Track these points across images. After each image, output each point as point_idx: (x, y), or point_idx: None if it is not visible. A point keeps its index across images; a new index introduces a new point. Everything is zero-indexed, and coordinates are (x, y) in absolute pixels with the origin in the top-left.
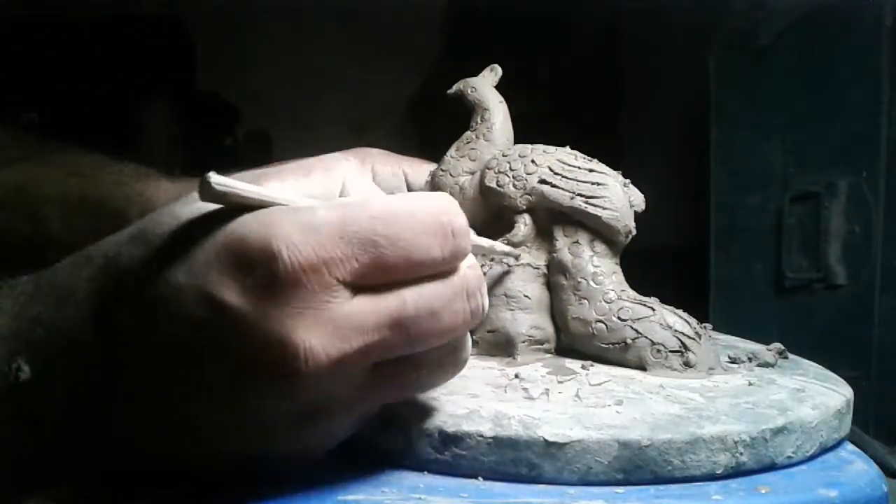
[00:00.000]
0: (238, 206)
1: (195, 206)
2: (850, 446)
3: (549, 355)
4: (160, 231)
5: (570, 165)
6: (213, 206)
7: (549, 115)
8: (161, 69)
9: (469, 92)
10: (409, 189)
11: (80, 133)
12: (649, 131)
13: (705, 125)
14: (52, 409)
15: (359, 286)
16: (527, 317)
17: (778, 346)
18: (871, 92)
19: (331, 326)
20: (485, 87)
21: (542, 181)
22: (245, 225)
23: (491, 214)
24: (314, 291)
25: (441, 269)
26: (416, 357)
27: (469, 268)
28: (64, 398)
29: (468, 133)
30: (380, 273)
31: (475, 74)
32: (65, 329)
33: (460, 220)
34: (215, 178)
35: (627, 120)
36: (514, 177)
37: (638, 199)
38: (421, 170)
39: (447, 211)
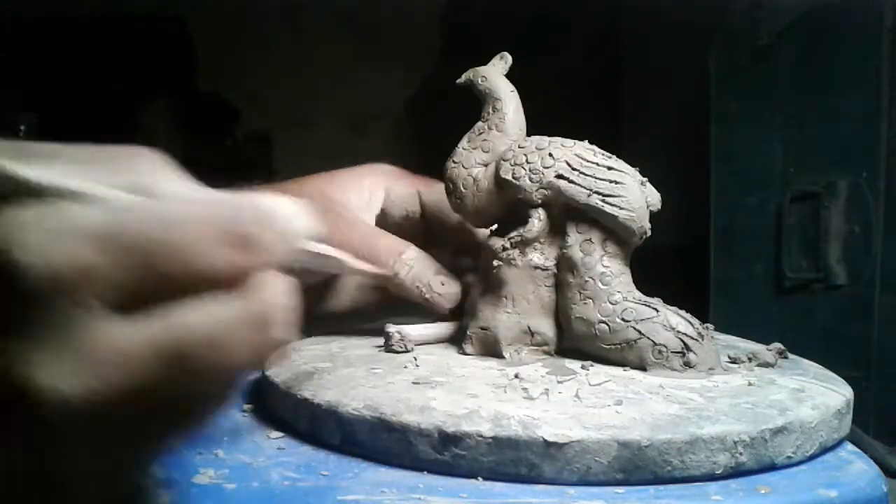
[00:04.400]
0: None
1: None
2: (850, 446)
3: (548, 356)
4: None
5: (588, 161)
6: None
7: (549, 114)
8: (161, 69)
9: (479, 81)
10: (423, 209)
11: (79, 133)
12: (649, 131)
13: (705, 125)
14: None
15: (124, 305)
16: (520, 319)
17: (778, 346)
18: (871, 92)
19: (84, 361)
20: (495, 75)
21: (559, 176)
22: None
23: (505, 207)
24: (63, 314)
25: (225, 286)
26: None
27: (272, 290)
28: None
29: (480, 124)
30: (149, 288)
31: None
32: None
33: (264, 229)
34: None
35: (627, 119)
36: (530, 170)
37: (655, 199)
38: (435, 189)
39: (248, 218)
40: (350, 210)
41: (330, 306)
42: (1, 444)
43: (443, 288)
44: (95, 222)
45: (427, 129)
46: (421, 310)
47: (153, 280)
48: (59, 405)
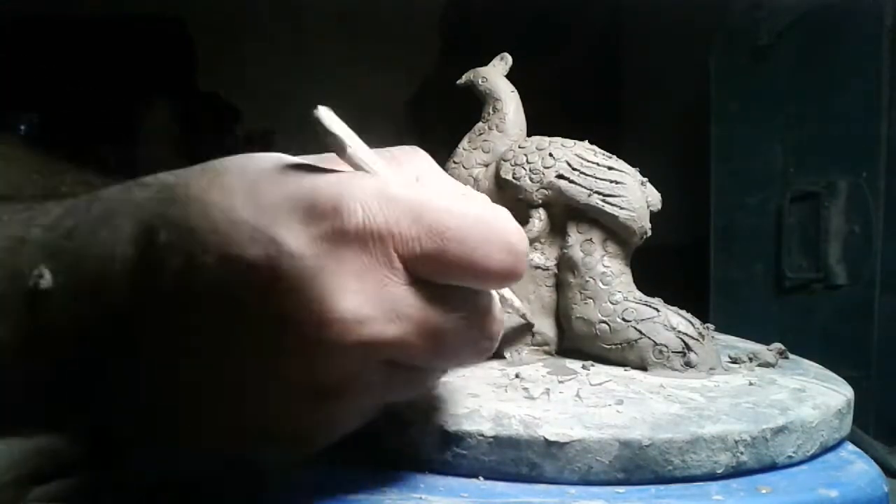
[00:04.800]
0: (331, 149)
1: (273, 156)
2: (850, 446)
3: (549, 356)
4: (228, 166)
5: (588, 161)
6: (291, 160)
7: (549, 114)
8: (161, 69)
9: (480, 82)
10: None
11: (80, 133)
12: (649, 131)
13: (705, 125)
14: (64, 333)
15: (414, 275)
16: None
17: (778, 346)
18: (871, 92)
19: (378, 305)
20: (495, 76)
21: (560, 176)
22: (323, 180)
23: (505, 207)
24: (376, 262)
25: (491, 286)
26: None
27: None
28: (80, 325)
29: (480, 124)
30: (437, 268)
31: None
32: (99, 245)
33: (525, 244)
34: (323, 110)
35: (627, 119)
36: (530, 170)
37: (655, 199)
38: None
39: (516, 229)
40: None
41: None
42: (285, 351)
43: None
44: (409, 198)
45: (427, 129)
46: None
47: (439, 261)
48: (346, 329)
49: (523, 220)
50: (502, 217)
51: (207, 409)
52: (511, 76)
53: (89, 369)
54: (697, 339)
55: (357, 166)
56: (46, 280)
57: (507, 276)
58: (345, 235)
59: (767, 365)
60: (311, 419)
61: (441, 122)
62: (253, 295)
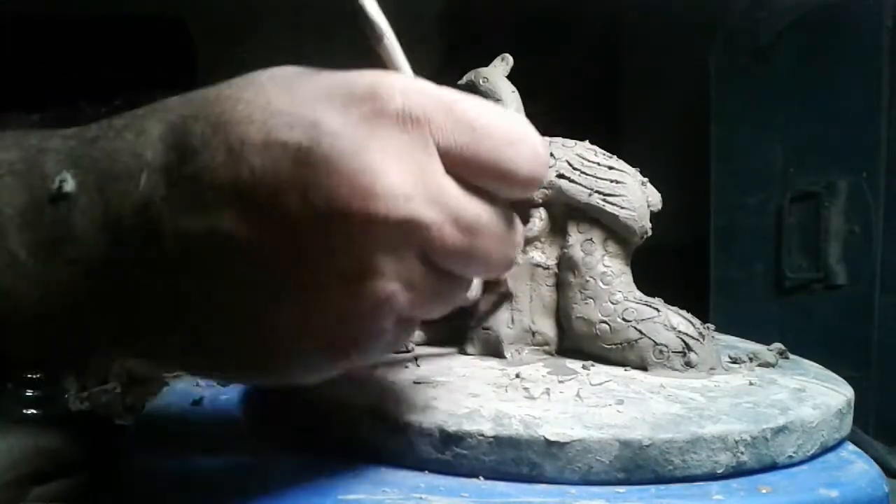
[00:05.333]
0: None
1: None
2: (850, 446)
3: (549, 355)
4: (258, 73)
5: (589, 161)
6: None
7: (549, 114)
8: (161, 69)
9: (481, 83)
10: None
11: None
12: (649, 131)
13: (705, 125)
14: (91, 241)
15: (447, 168)
16: (522, 319)
17: (779, 346)
18: (871, 92)
19: (419, 185)
20: (496, 76)
21: (560, 175)
22: (358, 74)
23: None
24: (414, 145)
25: (517, 192)
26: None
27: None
28: (108, 231)
29: None
30: (468, 162)
31: None
32: (125, 148)
33: (547, 154)
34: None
35: (627, 119)
36: None
37: (655, 199)
38: None
39: (541, 139)
40: None
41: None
42: (329, 232)
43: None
44: (441, 93)
45: None
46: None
47: (471, 155)
48: (390, 201)
49: (524, 219)
50: (529, 125)
51: (246, 317)
52: (512, 76)
53: (121, 279)
54: (697, 339)
55: (391, 63)
56: (70, 184)
57: (532, 181)
58: (384, 116)
59: (767, 365)
60: (351, 318)
61: None
62: (297, 182)
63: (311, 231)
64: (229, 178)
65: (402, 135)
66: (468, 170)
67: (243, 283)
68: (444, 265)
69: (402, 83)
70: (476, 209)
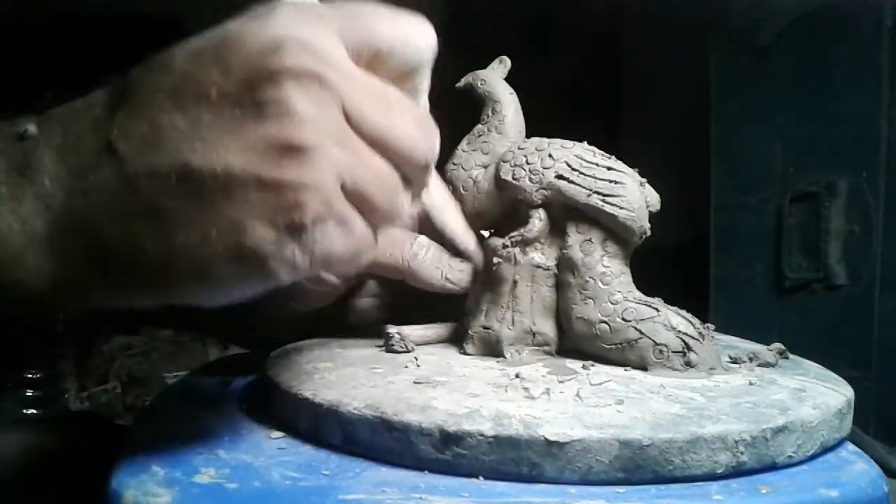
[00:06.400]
0: None
1: None
2: (850, 446)
3: (549, 356)
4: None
5: (588, 162)
6: None
7: (549, 114)
8: None
9: (479, 85)
10: None
11: None
12: (649, 131)
13: (705, 125)
14: (52, 169)
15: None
16: (522, 319)
17: (779, 346)
18: (871, 92)
19: (330, 64)
20: (494, 79)
21: (559, 176)
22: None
23: (505, 208)
24: (315, 48)
25: (418, 81)
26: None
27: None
28: (64, 159)
29: (479, 126)
30: (367, 46)
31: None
32: (79, 104)
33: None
34: None
35: (627, 120)
36: (530, 170)
37: (654, 199)
38: None
39: (429, 28)
40: None
41: (357, 307)
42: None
43: (459, 271)
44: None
45: None
46: (420, 311)
47: (367, 43)
48: (296, 57)
49: (523, 220)
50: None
51: (178, 226)
52: (511, 76)
53: (82, 199)
54: (697, 339)
55: None
56: (32, 128)
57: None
58: None
59: (767, 365)
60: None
61: (441, 123)
62: (217, 62)
63: (234, 104)
64: (165, 83)
65: (304, 18)
66: (368, 60)
67: (180, 186)
68: (367, 133)
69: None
70: (382, 87)
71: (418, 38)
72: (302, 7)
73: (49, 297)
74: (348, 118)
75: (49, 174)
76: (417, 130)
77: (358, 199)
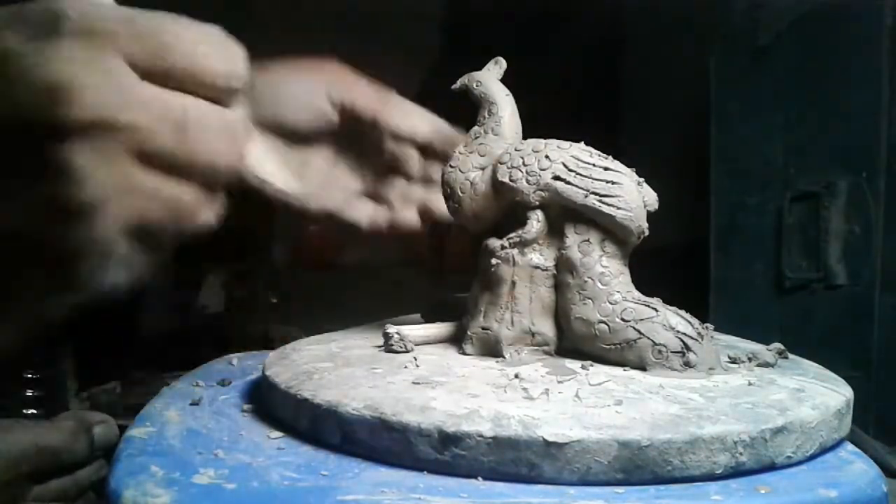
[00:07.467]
0: None
1: None
2: (850, 446)
3: (548, 356)
4: None
5: (584, 162)
6: None
7: (549, 114)
8: None
9: (474, 86)
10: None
11: None
12: (649, 131)
13: (705, 125)
14: None
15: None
16: (521, 319)
17: (778, 346)
18: (871, 92)
19: (110, 89)
20: (490, 80)
21: (556, 177)
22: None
23: (502, 210)
24: (100, 55)
25: (219, 88)
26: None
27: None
28: None
29: (476, 128)
30: (159, 70)
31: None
32: None
33: (242, 54)
34: None
35: (627, 120)
36: (527, 172)
37: (651, 199)
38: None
39: (231, 39)
40: None
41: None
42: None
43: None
44: (121, 9)
45: None
46: (420, 311)
47: (162, 63)
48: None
49: (521, 221)
50: (217, 30)
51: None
52: (510, 77)
53: None
54: (697, 339)
55: None
56: None
57: (231, 78)
58: (66, 35)
59: (767, 365)
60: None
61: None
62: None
63: (22, 139)
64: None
65: (88, 51)
66: (164, 77)
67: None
68: (162, 162)
69: (79, 4)
70: (180, 104)
71: (221, 65)
72: (87, 22)
73: None
74: (140, 156)
75: None
76: (219, 142)
77: (151, 231)
